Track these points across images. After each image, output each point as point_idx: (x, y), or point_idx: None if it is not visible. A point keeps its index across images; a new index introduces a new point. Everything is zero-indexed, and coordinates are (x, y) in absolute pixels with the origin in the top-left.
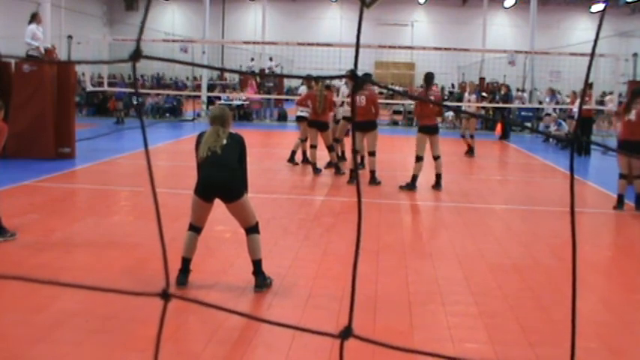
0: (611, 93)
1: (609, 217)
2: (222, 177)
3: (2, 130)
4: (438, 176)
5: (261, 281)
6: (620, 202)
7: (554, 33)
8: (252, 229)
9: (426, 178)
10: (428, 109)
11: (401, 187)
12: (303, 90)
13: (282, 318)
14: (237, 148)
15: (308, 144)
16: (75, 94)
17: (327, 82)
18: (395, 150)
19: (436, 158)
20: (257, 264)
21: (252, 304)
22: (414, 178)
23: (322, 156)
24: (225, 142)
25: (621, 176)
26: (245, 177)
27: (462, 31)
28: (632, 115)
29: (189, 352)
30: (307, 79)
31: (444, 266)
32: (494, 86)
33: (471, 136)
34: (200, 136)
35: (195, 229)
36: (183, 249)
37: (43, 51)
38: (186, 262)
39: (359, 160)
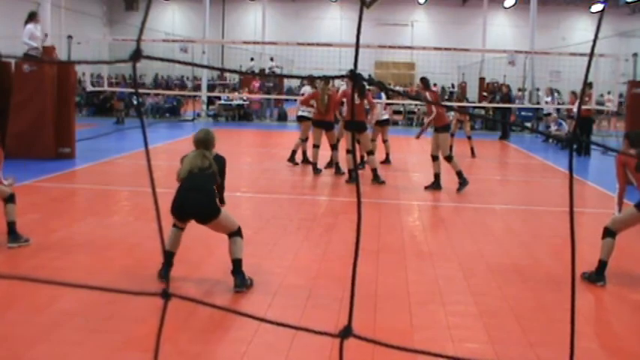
0: (608, 92)
1: (609, 217)
2: (197, 203)
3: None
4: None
5: (241, 281)
6: (602, 271)
7: (554, 33)
8: (234, 234)
9: (424, 179)
10: (440, 109)
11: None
12: (306, 90)
13: (282, 318)
14: (217, 171)
15: (310, 144)
16: (75, 94)
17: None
18: (395, 150)
19: (436, 159)
20: (237, 263)
21: (252, 304)
22: (437, 176)
23: (321, 156)
24: (208, 164)
25: (612, 234)
26: (222, 191)
27: (462, 31)
28: None
29: (189, 352)
30: (310, 79)
31: (444, 266)
32: (494, 86)
33: (469, 137)
34: (183, 159)
35: (178, 227)
36: (167, 243)
37: (42, 50)
38: (169, 256)
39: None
